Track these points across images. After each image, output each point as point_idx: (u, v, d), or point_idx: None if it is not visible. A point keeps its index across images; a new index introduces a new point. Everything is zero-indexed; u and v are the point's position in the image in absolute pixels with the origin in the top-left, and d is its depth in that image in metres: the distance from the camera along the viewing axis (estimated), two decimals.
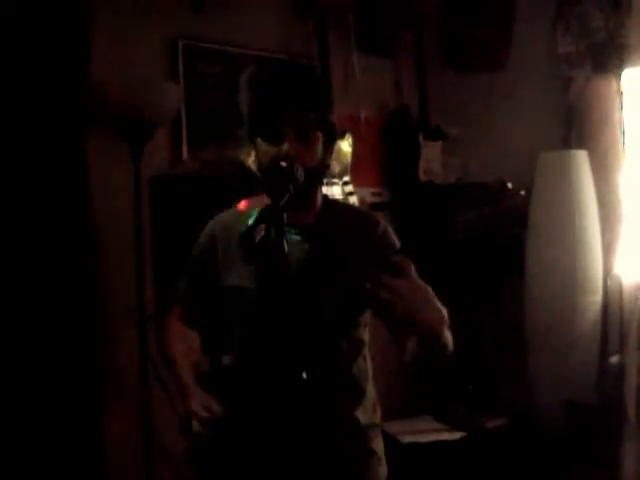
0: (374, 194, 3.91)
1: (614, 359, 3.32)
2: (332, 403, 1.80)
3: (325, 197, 1.90)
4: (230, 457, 1.79)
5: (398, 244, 1.86)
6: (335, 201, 1.96)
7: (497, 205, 3.60)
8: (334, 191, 3.47)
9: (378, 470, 1.91)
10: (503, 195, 3.60)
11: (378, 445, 1.92)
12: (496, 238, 3.57)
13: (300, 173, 1.68)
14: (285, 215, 1.58)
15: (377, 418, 1.93)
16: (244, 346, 1.85)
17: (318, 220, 1.84)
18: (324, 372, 1.74)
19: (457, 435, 3.39)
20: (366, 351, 1.91)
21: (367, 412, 1.88)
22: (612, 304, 3.45)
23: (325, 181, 3.36)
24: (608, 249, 3.47)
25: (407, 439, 3.31)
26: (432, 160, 4.00)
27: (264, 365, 1.75)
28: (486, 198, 3.67)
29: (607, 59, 3.53)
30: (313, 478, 1.78)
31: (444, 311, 1.56)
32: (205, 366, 2.03)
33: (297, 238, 1.77)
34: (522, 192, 3.62)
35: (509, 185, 3.64)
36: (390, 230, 1.88)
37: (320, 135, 1.77)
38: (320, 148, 1.78)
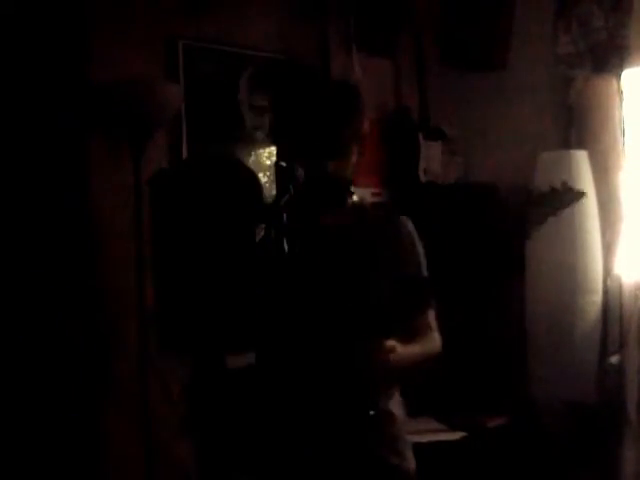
0: (374, 194, 3.90)
1: (614, 359, 3.31)
2: (371, 398, 1.82)
3: (355, 200, 1.94)
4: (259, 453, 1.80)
5: (422, 251, 1.93)
6: (365, 204, 2.01)
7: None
8: None
9: (411, 459, 1.95)
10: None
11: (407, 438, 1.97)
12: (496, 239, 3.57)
13: (300, 173, 1.69)
14: (285, 215, 1.59)
15: (403, 414, 1.97)
16: (270, 345, 1.86)
17: (348, 222, 1.88)
18: (361, 365, 1.76)
19: (457, 435, 3.39)
20: None
21: (397, 406, 1.92)
22: (612, 304, 3.45)
23: None
24: (608, 249, 3.47)
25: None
26: (432, 160, 4.00)
27: (302, 361, 1.77)
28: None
29: (607, 59, 3.53)
30: (351, 473, 1.81)
31: None
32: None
33: (327, 240, 1.80)
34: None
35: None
36: (415, 236, 1.94)
37: (354, 146, 1.83)
38: (354, 158, 1.84)
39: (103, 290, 2.96)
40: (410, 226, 1.95)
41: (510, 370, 3.62)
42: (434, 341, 1.95)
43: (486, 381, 3.68)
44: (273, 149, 3.37)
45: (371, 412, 1.75)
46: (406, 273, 1.87)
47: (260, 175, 3.26)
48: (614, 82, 3.55)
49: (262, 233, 1.59)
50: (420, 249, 1.94)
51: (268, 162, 3.47)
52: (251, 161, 3.43)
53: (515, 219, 1.94)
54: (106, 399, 2.93)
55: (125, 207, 2.93)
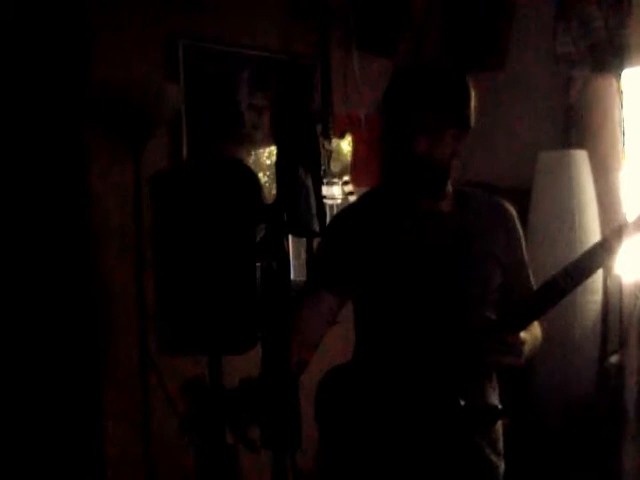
0: None
1: (614, 359, 3.31)
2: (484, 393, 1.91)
3: (457, 186, 1.91)
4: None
5: (523, 237, 1.93)
6: (469, 190, 1.96)
7: None
8: (334, 191, 3.47)
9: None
10: None
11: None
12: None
13: (301, 173, 1.68)
14: (285, 215, 1.59)
15: None
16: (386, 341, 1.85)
17: (452, 208, 1.86)
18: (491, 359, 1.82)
19: None
20: None
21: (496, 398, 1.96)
22: (612, 304, 3.44)
23: (325, 181, 3.36)
24: None
25: None
26: None
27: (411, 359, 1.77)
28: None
29: (607, 59, 3.53)
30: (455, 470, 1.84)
31: None
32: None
33: (430, 226, 1.81)
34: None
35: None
36: (518, 221, 1.93)
37: (453, 130, 1.77)
38: (452, 142, 1.78)
39: (103, 290, 2.96)
40: (513, 211, 1.92)
41: (510, 370, 3.62)
42: (539, 330, 1.99)
43: None
44: (273, 149, 3.37)
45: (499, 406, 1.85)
46: (513, 260, 1.88)
47: (260, 175, 3.26)
48: (614, 82, 3.55)
49: (262, 233, 1.59)
50: (522, 236, 1.93)
51: (268, 162, 3.47)
52: (251, 161, 3.43)
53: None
54: (106, 399, 2.93)
55: (125, 207, 2.93)
